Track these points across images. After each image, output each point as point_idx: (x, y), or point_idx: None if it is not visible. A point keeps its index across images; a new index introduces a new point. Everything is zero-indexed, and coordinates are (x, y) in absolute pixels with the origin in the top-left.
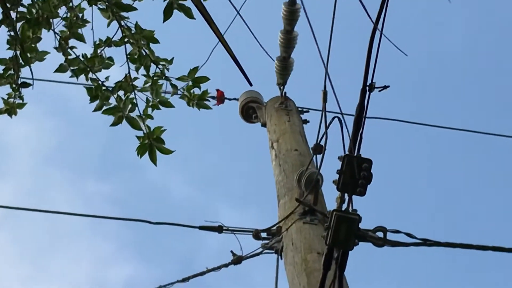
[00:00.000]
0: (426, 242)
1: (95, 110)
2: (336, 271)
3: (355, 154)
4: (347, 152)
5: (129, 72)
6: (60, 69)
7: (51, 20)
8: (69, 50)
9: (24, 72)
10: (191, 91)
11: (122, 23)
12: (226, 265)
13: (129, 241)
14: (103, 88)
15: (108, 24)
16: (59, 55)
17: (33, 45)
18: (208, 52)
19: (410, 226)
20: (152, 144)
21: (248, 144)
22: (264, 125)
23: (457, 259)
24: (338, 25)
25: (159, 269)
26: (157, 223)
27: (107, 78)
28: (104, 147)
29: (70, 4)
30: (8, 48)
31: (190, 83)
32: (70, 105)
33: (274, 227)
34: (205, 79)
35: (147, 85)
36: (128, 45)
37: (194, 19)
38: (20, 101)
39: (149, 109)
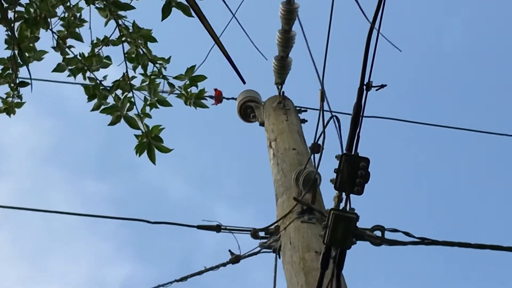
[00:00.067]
0: (424, 241)
1: (93, 110)
2: (334, 270)
3: (353, 153)
4: (344, 151)
5: (126, 71)
6: (58, 68)
7: (49, 19)
8: (67, 49)
9: (23, 71)
10: (188, 90)
11: (120, 22)
12: (224, 264)
13: (127, 240)
14: (101, 87)
15: (106, 23)
16: (57, 54)
17: (31, 45)
18: (206, 50)
19: (408, 225)
20: (150, 143)
21: (246, 143)
22: (262, 124)
23: (455, 258)
24: (336, 25)
25: (157, 269)
26: (155, 223)
27: (105, 77)
28: (101, 147)
29: (68, 4)
30: (7, 48)
31: (187, 82)
32: (67, 105)
33: (272, 226)
34: (202, 77)
35: (144, 84)
36: (125, 44)
37: (193, 17)
38: (19, 101)
39: (147, 108)
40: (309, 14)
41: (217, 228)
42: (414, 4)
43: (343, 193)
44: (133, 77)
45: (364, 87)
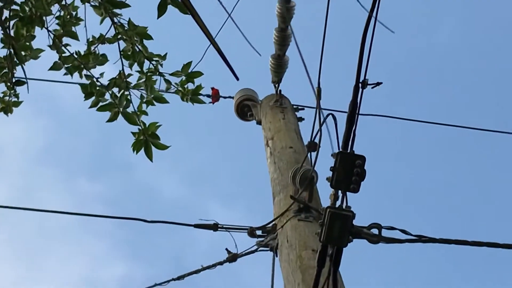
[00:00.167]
0: (421, 239)
1: (91, 107)
2: (331, 268)
3: (348, 151)
4: (340, 149)
5: (122, 69)
6: (54, 67)
7: (44, 18)
8: (63, 48)
9: (20, 70)
10: (185, 86)
11: (115, 20)
12: (221, 263)
13: (122, 240)
14: (98, 84)
15: (101, 21)
16: (53, 53)
17: (27, 43)
18: (201, 47)
19: (405, 223)
20: (147, 140)
21: (242, 142)
22: (259, 123)
23: (453, 255)
24: (332, 22)
25: (152, 268)
26: (152, 222)
27: (101, 74)
28: (95, 147)
29: (63, 2)
30: (3, 47)
31: (184, 78)
32: (61, 104)
33: (269, 225)
34: (198, 74)
35: (141, 81)
36: (121, 41)
37: (188, 14)
38: (16, 99)
39: (144, 106)
40: (306, 12)
41: (214, 227)
42: (408, 2)
43: (340, 191)
44: (129, 75)
45: (360, 85)
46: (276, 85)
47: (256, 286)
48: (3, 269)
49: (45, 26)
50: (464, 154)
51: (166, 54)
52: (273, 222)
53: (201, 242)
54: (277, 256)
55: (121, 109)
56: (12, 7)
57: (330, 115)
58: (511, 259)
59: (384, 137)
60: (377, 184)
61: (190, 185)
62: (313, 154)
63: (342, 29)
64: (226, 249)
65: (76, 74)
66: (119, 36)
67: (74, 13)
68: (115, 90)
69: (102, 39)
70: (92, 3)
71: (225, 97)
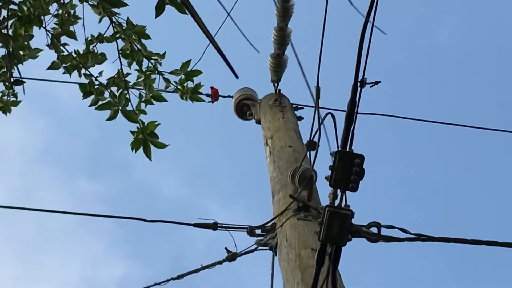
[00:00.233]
0: (420, 237)
1: (91, 105)
2: (330, 267)
3: (347, 150)
4: (339, 148)
5: (121, 68)
6: (53, 66)
7: (42, 17)
8: (61, 47)
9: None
10: (184, 84)
11: (114, 19)
12: (220, 262)
13: (120, 239)
14: (96, 84)
15: (100, 20)
16: (52, 53)
17: (25, 43)
18: (200, 45)
19: (404, 222)
20: (146, 139)
21: (241, 141)
22: (258, 122)
23: (452, 254)
24: (331, 21)
25: (151, 267)
26: (152, 221)
27: (100, 73)
28: (94, 146)
29: (61, 1)
30: (1, 46)
31: (183, 76)
32: (59, 104)
33: (269, 224)
34: (197, 72)
35: (140, 80)
36: (120, 40)
37: (186, 14)
38: (14, 99)
39: (142, 105)
40: (305, 10)
41: (214, 226)
42: (407, 1)
43: (338, 190)
44: (128, 74)
45: (358, 84)
46: (275, 84)
47: (255, 285)
48: (3, 269)
49: (43, 25)
50: (463, 153)
51: (165, 53)
52: (273, 221)
53: (200, 242)
54: (276, 255)
55: (120, 107)
56: (10, 7)
57: (329, 114)
58: (510, 257)
59: (383, 136)
60: (376, 183)
61: (189, 185)
62: (313, 153)
63: (341, 27)
64: (226, 248)
65: (75, 73)
66: (118, 35)
67: (72, 11)
68: (114, 89)
69: (100, 38)
70: (90, 2)
71: (224, 96)
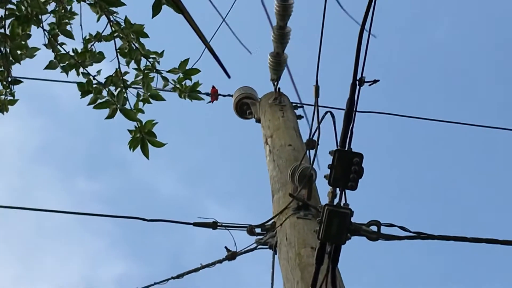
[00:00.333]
0: (420, 236)
1: (89, 104)
2: (329, 265)
3: (346, 149)
4: (338, 147)
5: (119, 67)
6: (50, 65)
7: (40, 16)
8: (58, 46)
9: (15, 69)
10: (183, 83)
11: (111, 18)
12: (220, 261)
13: (119, 238)
14: (94, 83)
15: (98, 19)
16: (49, 52)
17: (22, 42)
18: (200, 45)
19: (404, 220)
20: (144, 138)
21: (241, 140)
22: (258, 121)
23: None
24: (331, 20)
25: (150, 266)
26: (151, 220)
27: (98, 72)
28: (92, 145)
29: None
30: None
31: (181, 75)
32: (57, 103)
33: (269, 223)
34: (196, 71)
35: (138, 78)
36: (118, 39)
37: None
38: (11, 98)
39: (140, 103)
40: (304, 9)
41: (213, 225)
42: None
43: (338, 189)
44: (126, 73)
45: (357, 82)
46: (275, 83)
47: (255, 284)
48: (2, 269)
49: (41, 25)
50: (462, 151)
51: (163, 51)
52: (272, 220)
53: (199, 240)
54: (276, 254)
55: (119, 106)
56: (8, 6)
57: (329, 113)
58: (510, 255)
59: (382, 134)
60: (376, 181)
61: (188, 183)
62: (312, 151)
63: (340, 26)
64: (225, 247)
65: (73, 72)
66: (116, 34)
67: (68, 7)
68: (112, 88)
69: (98, 37)
70: (88, 2)
71: (224, 95)
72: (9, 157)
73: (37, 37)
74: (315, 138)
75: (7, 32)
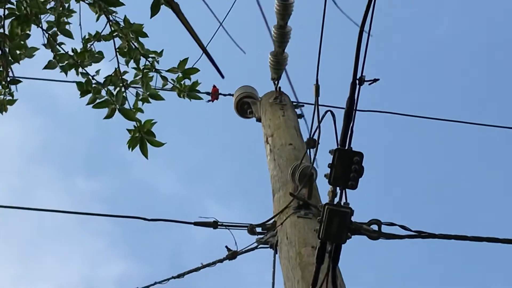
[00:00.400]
0: (420, 234)
1: (88, 104)
2: (330, 265)
3: (346, 148)
4: (338, 146)
5: (118, 66)
6: (49, 65)
7: (39, 16)
8: (57, 46)
9: (14, 69)
10: (182, 82)
11: (111, 18)
12: (221, 261)
13: (119, 238)
14: (93, 82)
15: (97, 19)
16: (48, 52)
17: (21, 42)
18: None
19: (405, 219)
20: (143, 137)
21: (242, 139)
22: (259, 120)
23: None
24: (331, 19)
25: (149, 266)
26: (152, 220)
27: (97, 72)
28: (91, 145)
29: None
30: None
31: (180, 74)
32: (56, 103)
33: (269, 222)
34: (195, 70)
35: (137, 78)
36: (117, 39)
37: (183, 14)
38: (10, 98)
39: (139, 103)
40: (304, 7)
41: (214, 225)
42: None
43: (338, 188)
44: (125, 72)
45: (357, 81)
46: (276, 82)
47: (255, 283)
48: (2, 269)
49: (41, 25)
50: (463, 149)
51: (162, 51)
52: (273, 219)
53: (199, 240)
54: (277, 253)
55: (118, 106)
56: (7, 6)
57: (329, 112)
58: (511, 254)
59: (383, 133)
60: (377, 181)
61: (188, 183)
62: (313, 151)
63: (341, 25)
64: (226, 246)
65: (72, 71)
66: (115, 33)
67: (66, 5)
68: (111, 87)
69: (98, 37)
70: (87, 1)
71: (224, 95)
72: (9, 157)
73: (36, 37)
74: (315, 137)
75: (6, 32)
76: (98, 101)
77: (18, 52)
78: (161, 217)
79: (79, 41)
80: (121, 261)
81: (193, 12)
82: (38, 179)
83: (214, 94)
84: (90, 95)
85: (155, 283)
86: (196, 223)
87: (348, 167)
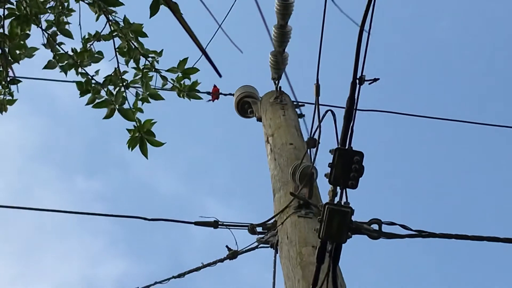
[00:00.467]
0: (421, 234)
1: (88, 104)
2: (330, 264)
3: (346, 147)
4: (338, 146)
5: (118, 66)
6: (49, 65)
7: (39, 16)
8: (57, 46)
9: (15, 69)
10: (181, 82)
11: (110, 18)
12: (221, 260)
13: (119, 237)
14: (93, 82)
15: (97, 19)
16: (48, 52)
17: (21, 42)
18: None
19: (405, 219)
20: (142, 137)
21: (243, 139)
22: (259, 119)
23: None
24: (331, 19)
25: (149, 265)
26: (153, 220)
27: (97, 72)
28: (91, 145)
29: None
30: None
31: (180, 74)
32: (56, 103)
33: (270, 222)
34: (194, 70)
35: (137, 77)
36: (117, 39)
37: (181, 13)
38: (10, 98)
39: (139, 103)
40: (305, 7)
41: (215, 224)
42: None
43: (338, 187)
44: (125, 72)
45: (357, 81)
46: (276, 82)
47: (256, 283)
48: (2, 268)
49: (40, 24)
50: (463, 148)
51: (162, 50)
52: (273, 219)
53: (199, 239)
54: (277, 253)
55: (117, 106)
56: (7, 6)
57: (329, 111)
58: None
59: (383, 133)
60: (377, 180)
61: (188, 182)
62: (313, 150)
63: (341, 24)
64: (227, 246)
65: (72, 71)
66: (115, 33)
67: (66, 4)
68: (111, 87)
69: (97, 36)
70: (87, 1)
71: (225, 94)
72: (9, 157)
73: (36, 36)
74: (316, 136)
75: (6, 32)
76: (97, 101)
77: (18, 52)
78: (161, 217)
79: (79, 41)
80: (121, 260)
81: (193, 12)
82: (38, 178)
83: (215, 93)
84: (89, 95)
85: (156, 282)
86: (196, 223)
87: (348, 167)
